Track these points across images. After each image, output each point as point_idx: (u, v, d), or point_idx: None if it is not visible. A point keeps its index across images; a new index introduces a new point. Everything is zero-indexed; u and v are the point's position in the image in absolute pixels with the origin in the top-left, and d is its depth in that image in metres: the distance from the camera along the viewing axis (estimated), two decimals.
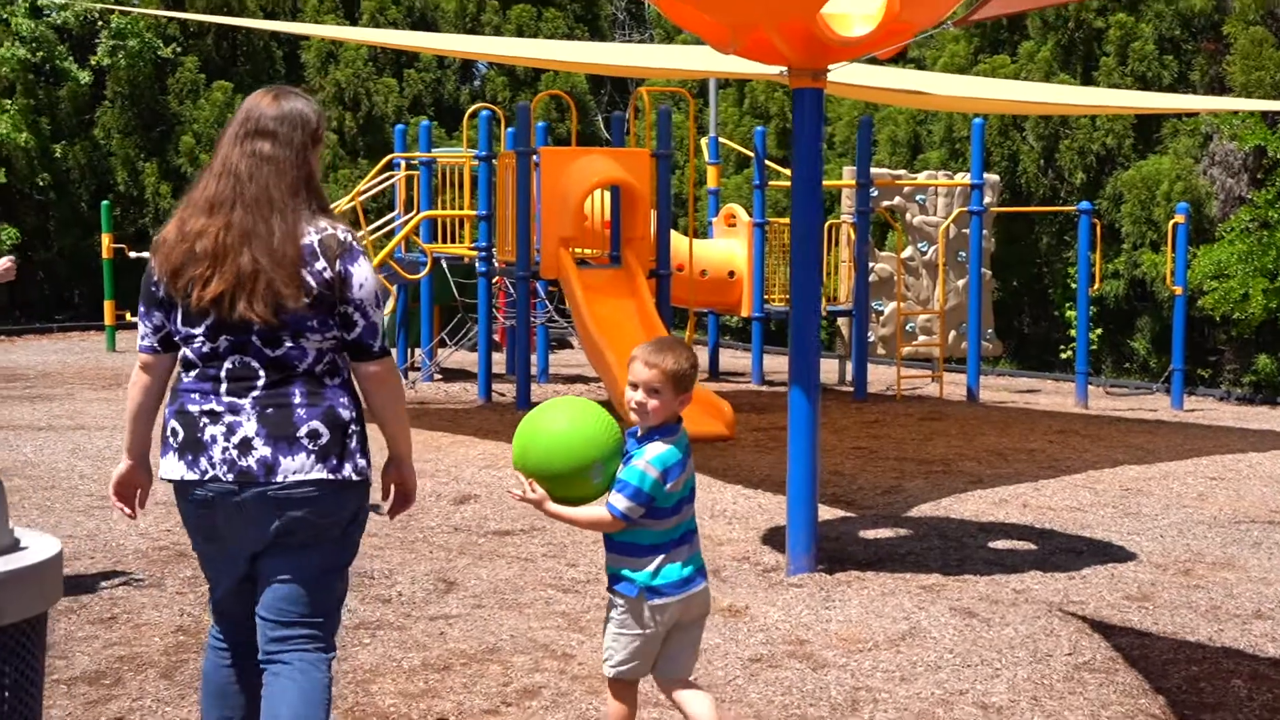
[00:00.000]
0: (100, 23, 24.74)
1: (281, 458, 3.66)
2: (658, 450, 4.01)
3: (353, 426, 3.76)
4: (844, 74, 7.86)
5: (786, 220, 17.55)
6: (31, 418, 12.12)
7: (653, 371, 4.03)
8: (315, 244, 3.68)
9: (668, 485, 4.00)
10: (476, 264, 14.48)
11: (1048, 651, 5.66)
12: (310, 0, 25.75)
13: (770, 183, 17.18)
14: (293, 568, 3.74)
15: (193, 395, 3.73)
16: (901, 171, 17.48)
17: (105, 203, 20.77)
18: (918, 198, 16.41)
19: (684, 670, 4.20)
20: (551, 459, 3.98)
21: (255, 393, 3.69)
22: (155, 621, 5.89)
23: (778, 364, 17.72)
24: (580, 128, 23.30)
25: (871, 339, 16.07)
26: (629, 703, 4.17)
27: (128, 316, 20.62)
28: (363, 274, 3.72)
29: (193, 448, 3.70)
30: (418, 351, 16.86)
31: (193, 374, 3.75)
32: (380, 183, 16.41)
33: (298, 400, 3.70)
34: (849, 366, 16.17)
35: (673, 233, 16.43)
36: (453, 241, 15.85)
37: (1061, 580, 6.89)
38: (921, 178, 16.53)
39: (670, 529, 4.06)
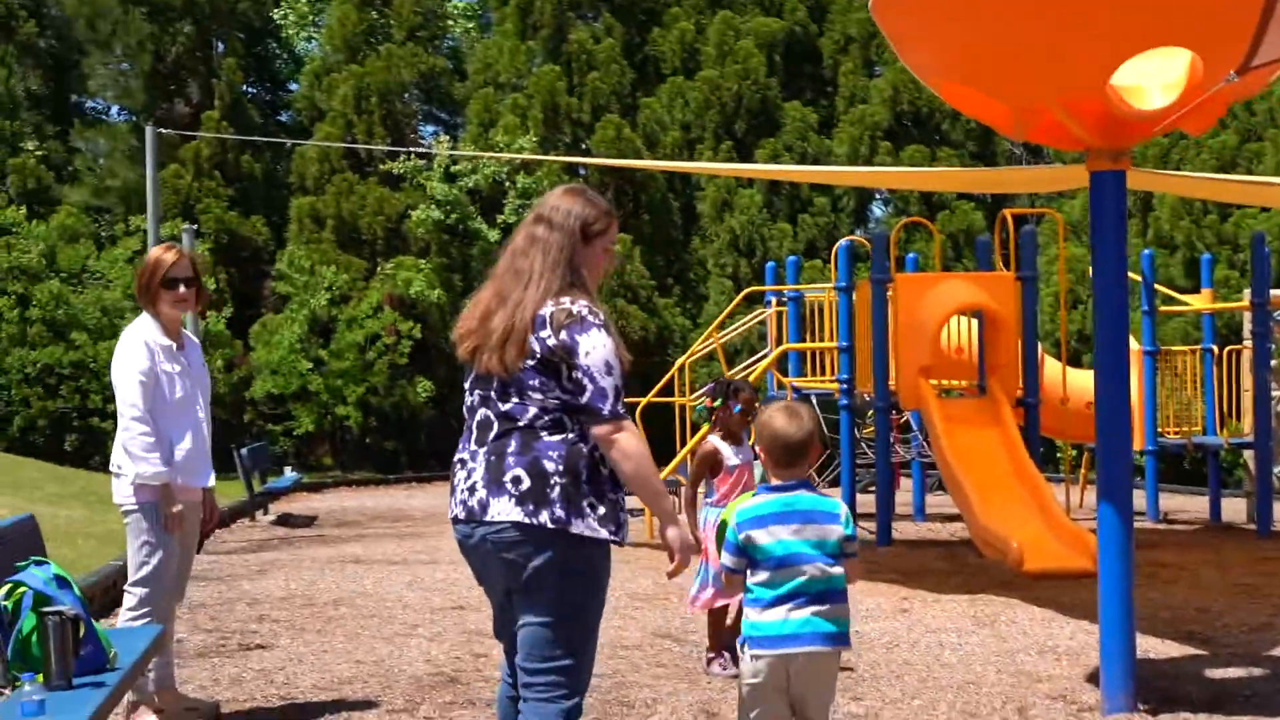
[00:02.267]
0: (508, 184, 25.87)
1: (492, 499, 4.10)
2: (739, 502, 4.43)
3: (556, 478, 4.06)
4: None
5: (1184, 348, 16.38)
6: (392, 553, 12.36)
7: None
8: (547, 315, 4.10)
9: (745, 534, 4.34)
10: (839, 398, 14.04)
11: None
12: (705, 153, 26.19)
13: (1162, 308, 16.02)
14: (527, 611, 4.12)
15: (460, 445, 4.29)
16: None
17: None
18: None
19: None
20: None
21: (487, 443, 4.17)
22: None
23: (1172, 503, 16.40)
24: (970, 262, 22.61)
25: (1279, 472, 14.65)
26: None
27: None
28: (591, 343, 4.07)
29: (453, 492, 4.29)
30: None
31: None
32: (752, 320, 16.26)
33: (511, 449, 4.11)
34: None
35: (1051, 361, 15.61)
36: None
37: None
38: None
39: (771, 582, 4.32)
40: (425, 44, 27.70)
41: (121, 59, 27.93)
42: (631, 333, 25.14)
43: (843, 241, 14.11)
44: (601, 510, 4.11)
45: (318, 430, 26.01)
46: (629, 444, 4.10)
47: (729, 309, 16.42)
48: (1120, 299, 6.38)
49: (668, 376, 16.08)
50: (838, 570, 4.37)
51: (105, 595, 9.41)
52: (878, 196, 26.79)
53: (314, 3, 31.18)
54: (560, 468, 4.07)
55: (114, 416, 17.58)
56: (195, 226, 22.40)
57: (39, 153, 26.75)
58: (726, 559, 4.43)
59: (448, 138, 27.58)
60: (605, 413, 4.07)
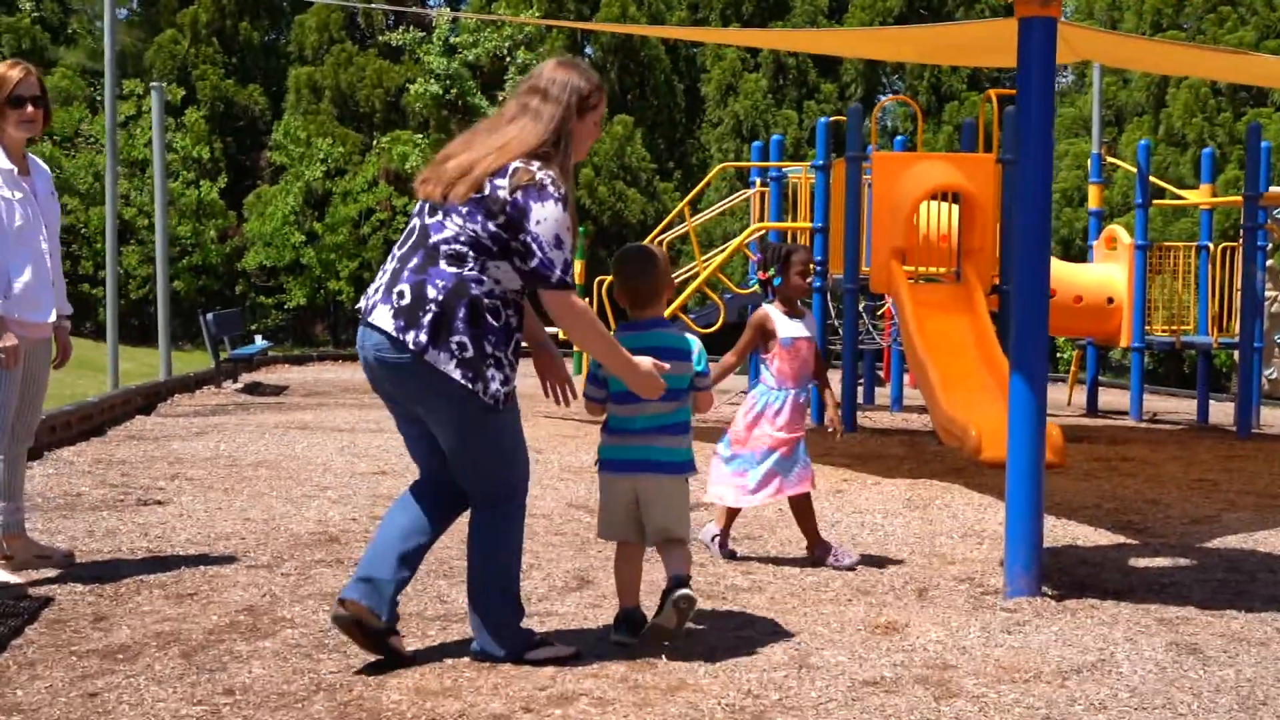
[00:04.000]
0: (508, 59, 25.30)
1: (379, 305, 4.43)
2: None
3: (431, 305, 4.29)
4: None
5: (1177, 244, 15.89)
6: (342, 421, 12.04)
7: None
8: (510, 169, 4.34)
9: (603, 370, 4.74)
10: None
11: (1261, 700, 4.35)
12: (711, 49, 25.56)
13: (1156, 202, 15.50)
14: (433, 427, 4.54)
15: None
16: None
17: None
18: None
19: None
20: None
21: (398, 255, 4.49)
22: (228, 601, 5.36)
23: (1164, 405, 15.98)
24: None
25: (1274, 375, 14.23)
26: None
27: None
28: (544, 213, 4.30)
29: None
30: None
31: None
32: (734, 200, 15.80)
33: (411, 265, 4.40)
34: None
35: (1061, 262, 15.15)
36: None
37: None
38: None
39: (617, 413, 4.84)
40: None
41: None
42: (630, 215, 24.70)
43: (821, 119, 13.62)
44: (468, 354, 4.31)
45: (310, 304, 25.72)
46: (577, 304, 4.41)
47: (701, 185, 15.94)
48: (1045, 159, 5.93)
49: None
50: (679, 405, 4.83)
51: None
52: (884, 83, 26.13)
53: None
54: (439, 297, 4.30)
55: (104, 283, 17.25)
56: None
57: (35, 14, 26.25)
58: (590, 389, 4.85)
59: (448, 9, 26.98)
60: (554, 280, 4.32)
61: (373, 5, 25.86)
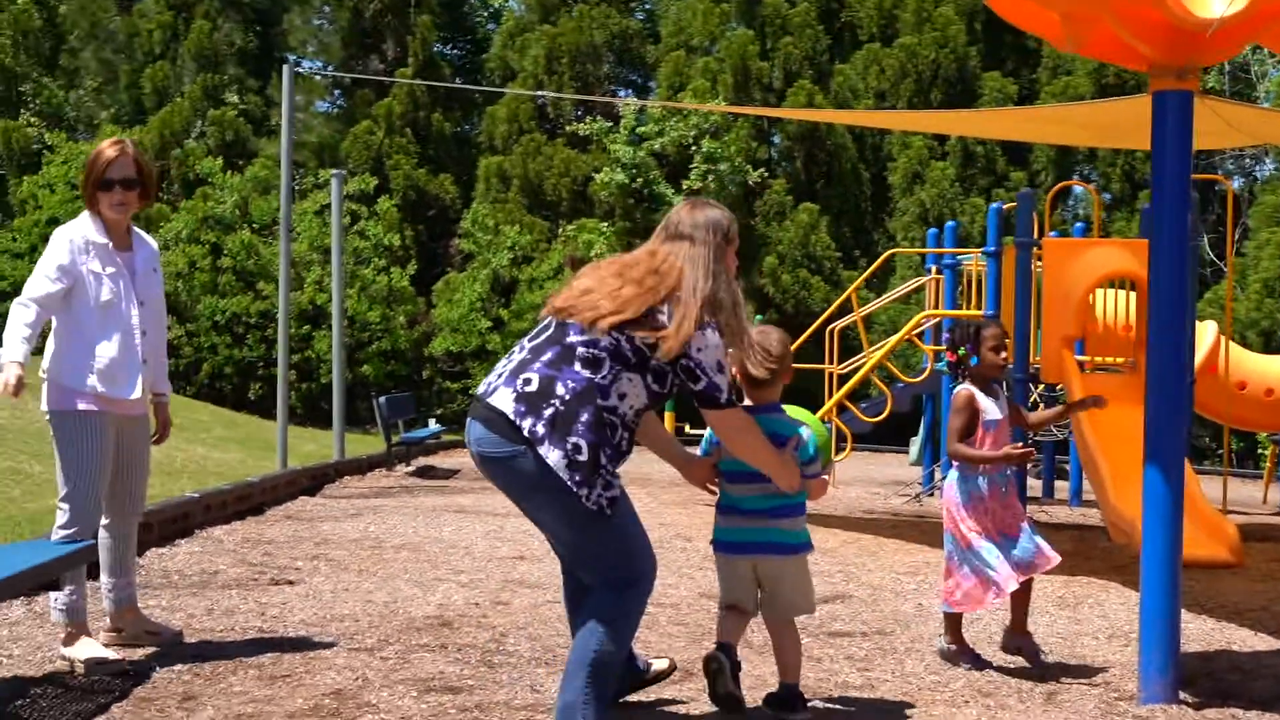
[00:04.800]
0: (694, 148, 25.41)
1: (502, 387, 4.54)
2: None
3: (557, 402, 4.39)
4: None
5: None
6: (499, 505, 11.99)
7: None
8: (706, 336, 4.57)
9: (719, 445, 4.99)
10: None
11: None
12: (897, 138, 25.31)
13: None
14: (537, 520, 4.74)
15: None
16: None
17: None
18: None
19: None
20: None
21: (528, 346, 4.67)
22: (319, 684, 5.28)
23: None
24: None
25: None
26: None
27: (686, 429, 20.73)
28: (703, 342, 4.52)
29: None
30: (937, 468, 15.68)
31: None
32: (908, 287, 15.53)
33: (544, 358, 4.54)
34: None
35: (1236, 347, 14.57)
36: None
37: None
38: None
39: (728, 491, 5.04)
40: (619, 5, 27.37)
41: (321, 14, 28.26)
42: (813, 304, 24.47)
43: (994, 204, 13.30)
44: (581, 458, 4.35)
45: None
46: (745, 420, 4.71)
47: (869, 272, 15.68)
48: (1180, 236, 5.61)
49: (804, 338, 15.45)
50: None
51: (170, 525, 9.27)
52: (1076, 170, 25.53)
53: None
54: (567, 396, 4.38)
55: (297, 367, 17.60)
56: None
57: (239, 106, 27.24)
58: (706, 451, 5.11)
59: (635, 99, 27.25)
60: (722, 400, 4.57)
61: (562, 96, 26.25)
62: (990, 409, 6.11)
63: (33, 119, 27.48)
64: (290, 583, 7.68)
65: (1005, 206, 13.52)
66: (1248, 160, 26.56)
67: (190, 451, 15.40)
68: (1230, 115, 8.11)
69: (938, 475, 14.32)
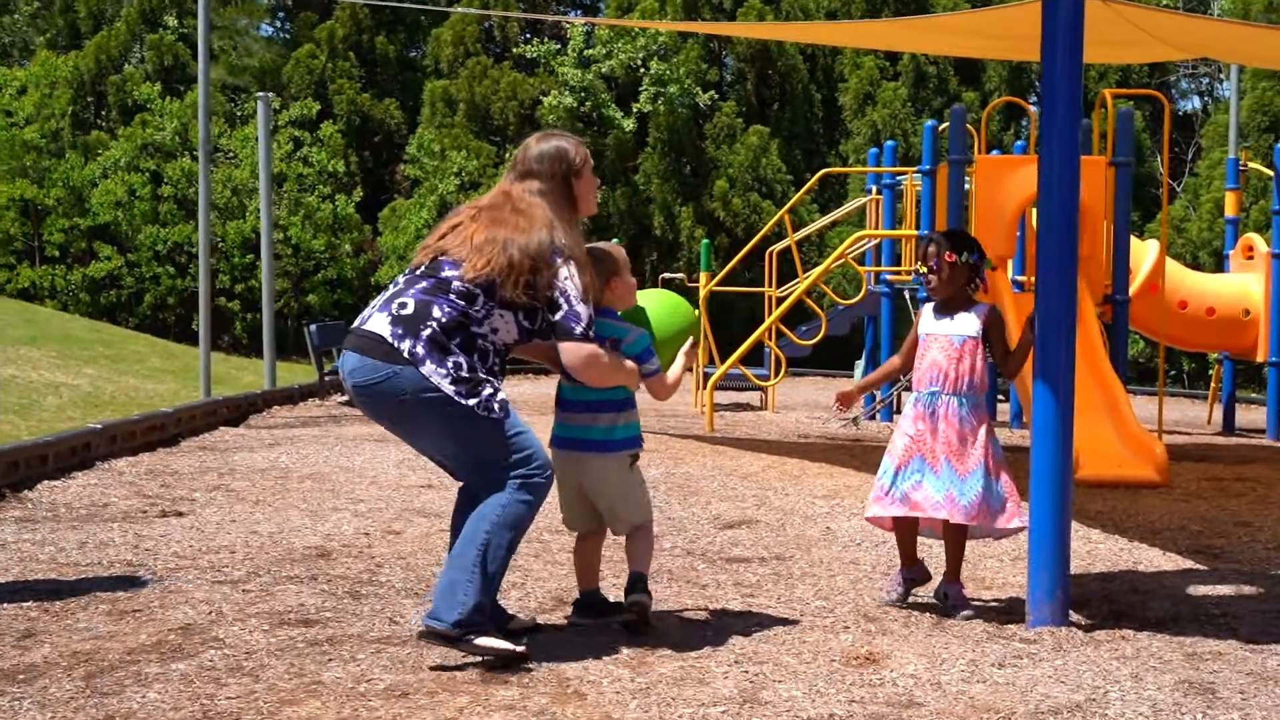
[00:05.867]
0: (642, 70, 25.01)
1: (375, 313, 4.59)
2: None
3: (433, 324, 4.44)
4: None
5: None
6: None
7: None
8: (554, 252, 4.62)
9: None
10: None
11: None
12: (849, 57, 24.95)
13: None
14: (423, 446, 4.79)
15: None
16: None
17: (615, 239, 20.75)
18: None
19: None
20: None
21: (404, 279, 4.72)
22: (168, 619, 5.04)
23: None
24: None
25: None
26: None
27: None
28: (568, 272, 4.59)
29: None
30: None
31: None
32: (849, 208, 15.28)
33: (419, 286, 4.59)
34: None
35: (1174, 263, 14.38)
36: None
37: None
38: None
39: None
40: None
41: None
42: (765, 227, 24.18)
43: (929, 122, 13.03)
44: (463, 374, 4.41)
45: None
46: (597, 353, 4.63)
47: (801, 193, 15.43)
48: (1070, 153, 5.37)
49: (736, 260, 15.23)
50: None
51: (69, 457, 9.00)
52: (1033, 90, 25.22)
53: None
54: (443, 320, 4.42)
55: (241, 298, 17.34)
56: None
57: (179, 30, 26.66)
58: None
59: (582, 18, 26.80)
60: (577, 332, 4.57)
61: (509, 15, 25.77)
62: (926, 323, 5.65)
63: None
64: (180, 514, 7.43)
65: (941, 126, 13.24)
66: (1203, 79, 26.30)
67: (121, 383, 15.11)
68: (1148, 23, 7.83)
69: (878, 399, 14.13)
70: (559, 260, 4.55)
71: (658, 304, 5.21)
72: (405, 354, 4.37)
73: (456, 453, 4.58)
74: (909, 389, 5.71)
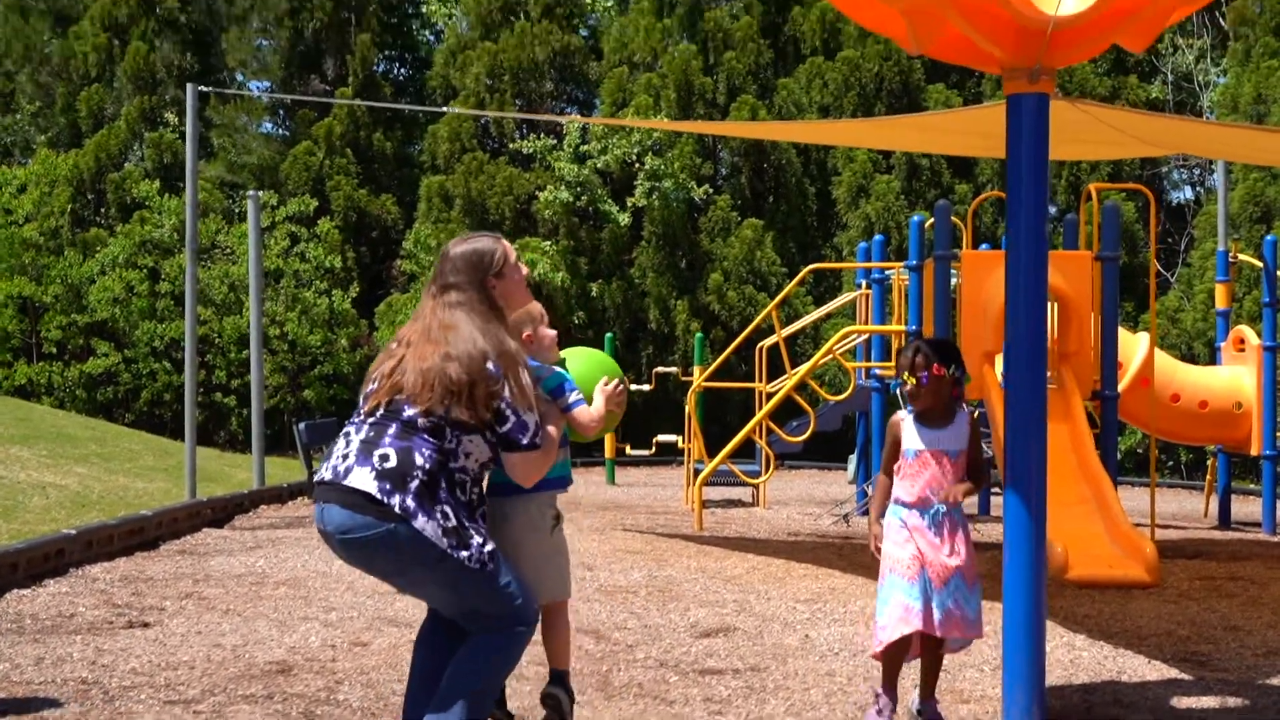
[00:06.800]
0: (638, 165, 25.09)
1: (356, 467, 4.45)
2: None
3: (419, 474, 4.38)
4: None
5: None
6: None
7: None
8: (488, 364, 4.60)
9: None
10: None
11: None
12: (842, 152, 25.05)
13: None
14: (418, 594, 4.84)
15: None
16: None
17: (609, 335, 20.71)
18: None
19: None
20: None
21: (368, 423, 4.62)
22: None
23: None
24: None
25: None
26: None
27: (627, 450, 20.44)
28: (513, 383, 4.61)
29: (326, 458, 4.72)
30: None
31: None
32: (839, 302, 15.24)
33: (391, 431, 4.49)
34: None
35: (1163, 355, 14.30)
36: None
37: None
38: None
39: None
40: (561, 21, 27.03)
41: (260, 34, 27.87)
42: (766, 319, 24.14)
43: (915, 216, 13.01)
44: (451, 524, 4.39)
45: None
46: (537, 461, 4.63)
47: (788, 289, 15.40)
48: (1037, 251, 5.30)
49: (724, 356, 15.18)
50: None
51: (41, 564, 8.88)
52: None
53: None
54: (428, 466, 4.39)
55: (237, 393, 17.25)
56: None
57: (178, 128, 26.78)
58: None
59: (578, 115, 26.94)
60: (524, 443, 4.57)
61: (504, 115, 25.92)
62: (911, 437, 5.46)
63: None
64: (146, 625, 7.31)
65: (927, 222, 13.23)
66: (1195, 169, 26.35)
67: (111, 482, 14.98)
68: (1123, 124, 7.80)
69: (869, 494, 13.98)
70: (491, 369, 4.52)
71: (583, 361, 5.25)
72: (397, 509, 4.33)
73: (450, 601, 4.59)
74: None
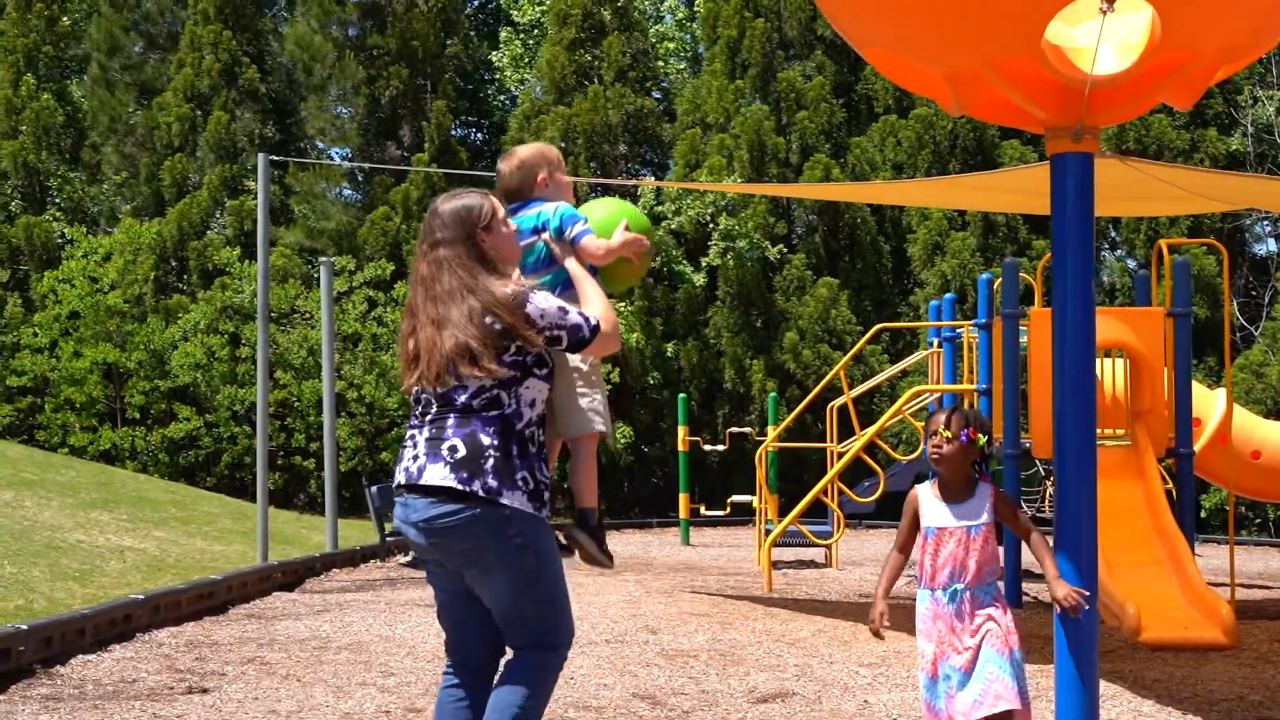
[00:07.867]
0: (711, 226, 25.15)
1: (429, 465, 4.44)
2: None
3: (491, 451, 4.41)
4: None
5: None
6: None
7: None
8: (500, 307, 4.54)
9: None
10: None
11: None
12: (916, 209, 24.97)
13: None
14: (485, 589, 4.57)
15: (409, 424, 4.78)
16: None
17: (682, 396, 20.69)
18: None
19: None
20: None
21: (426, 423, 4.57)
22: None
23: None
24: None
25: None
26: None
27: (702, 510, 20.38)
28: (537, 304, 4.53)
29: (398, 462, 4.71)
30: None
31: None
32: (910, 361, 15.14)
33: (450, 423, 4.47)
34: None
35: (1242, 411, 14.08)
36: None
37: None
38: None
39: None
40: (634, 85, 27.21)
41: (338, 102, 28.28)
42: (836, 380, 24.03)
43: (984, 275, 12.92)
44: (532, 485, 4.45)
45: None
46: (609, 321, 4.63)
47: (858, 346, 15.35)
48: (1085, 297, 5.23)
49: (793, 416, 15.09)
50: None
51: (108, 629, 8.96)
52: (1103, 238, 25.07)
53: (529, 45, 31.14)
54: (495, 442, 4.42)
55: (316, 456, 17.41)
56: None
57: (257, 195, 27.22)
58: None
59: (651, 178, 27.07)
60: (587, 334, 4.56)
61: (578, 179, 26.07)
62: (932, 513, 5.22)
63: (57, 214, 27.58)
64: (205, 690, 7.35)
65: (997, 280, 13.13)
66: (1279, 222, 25.99)
67: (188, 545, 15.14)
68: (1181, 180, 7.71)
69: None
70: (516, 301, 4.48)
71: (607, 208, 5.09)
72: (481, 493, 4.37)
73: (507, 601, 4.50)
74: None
